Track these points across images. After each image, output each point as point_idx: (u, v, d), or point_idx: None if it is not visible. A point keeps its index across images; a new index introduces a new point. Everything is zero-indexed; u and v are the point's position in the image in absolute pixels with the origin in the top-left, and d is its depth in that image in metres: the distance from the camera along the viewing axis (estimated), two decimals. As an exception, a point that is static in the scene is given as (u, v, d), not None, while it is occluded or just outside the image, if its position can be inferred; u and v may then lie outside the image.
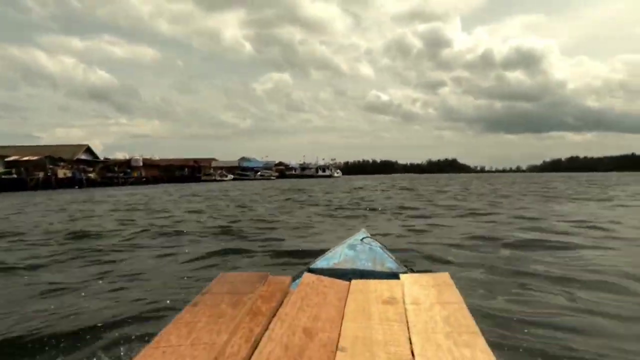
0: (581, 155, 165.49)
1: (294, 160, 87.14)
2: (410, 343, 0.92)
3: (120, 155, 50.81)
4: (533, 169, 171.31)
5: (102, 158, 45.50)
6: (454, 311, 1.06)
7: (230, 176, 57.04)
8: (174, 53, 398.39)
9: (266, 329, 0.97)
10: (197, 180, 48.18)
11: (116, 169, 40.92)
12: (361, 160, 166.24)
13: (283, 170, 76.40)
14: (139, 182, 39.04)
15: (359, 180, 39.51)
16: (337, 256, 2.16)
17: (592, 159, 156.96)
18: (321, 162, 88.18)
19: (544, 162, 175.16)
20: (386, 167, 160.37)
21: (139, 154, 48.84)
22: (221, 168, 60.83)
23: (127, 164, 43.88)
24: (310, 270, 1.88)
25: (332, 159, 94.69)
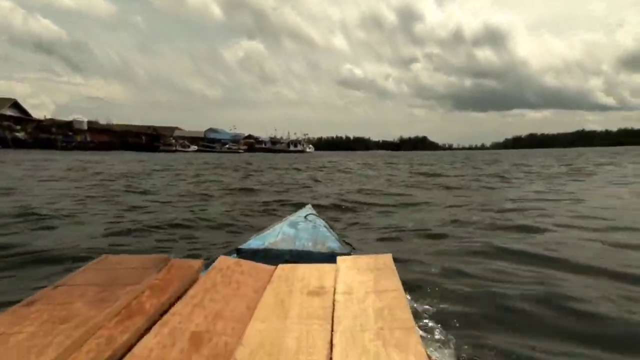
0: (539, 133, 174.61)
1: (265, 134, 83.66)
2: (331, 348, 0.78)
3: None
4: (496, 146, 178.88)
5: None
6: (389, 301, 0.97)
7: (194, 147, 53.64)
8: (132, 8, 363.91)
9: (141, 335, 0.77)
10: (155, 149, 44.51)
11: (53, 130, 36.58)
12: (335, 136, 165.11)
13: (253, 144, 73.36)
14: (83, 147, 35.03)
15: (332, 157, 38.18)
16: (275, 235, 1.98)
17: (548, 135, 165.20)
18: (293, 137, 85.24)
19: (506, 139, 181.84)
20: (359, 144, 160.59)
21: (96, 118, 43.89)
22: (184, 138, 56.84)
23: (68, 125, 39.08)
24: (239, 251, 1.71)
25: (304, 134, 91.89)
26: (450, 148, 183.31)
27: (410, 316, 0.90)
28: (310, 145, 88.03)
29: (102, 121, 47.12)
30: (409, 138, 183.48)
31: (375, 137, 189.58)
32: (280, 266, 1.24)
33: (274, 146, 75.92)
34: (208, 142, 61.92)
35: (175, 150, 47.49)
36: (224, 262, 1.18)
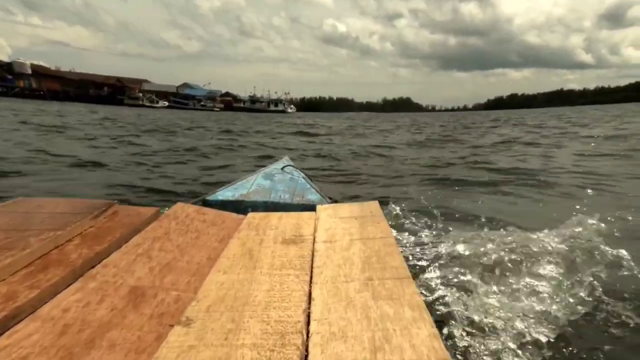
0: (519, 93, 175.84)
1: (244, 93, 78.25)
2: (309, 301, 0.69)
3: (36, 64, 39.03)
4: (478, 107, 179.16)
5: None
6: (378, 249, 0.87)
7: (164, 103, 49.27)
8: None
9: (57, 291, 0.65)
10: (119, 103, 40.29)
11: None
12: (318, 97, 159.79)
13: (230, 102, 68.87)
14: (27, 95, 30.32)
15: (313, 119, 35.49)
16: (247, 186, 1.84)
17: (528, 95, 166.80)
18: (274, 96, 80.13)
19: (488, 100, 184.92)
20: (343, 105, 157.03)
21: (58, 66, 38.06)
22: (153, 92, 51.98)
23: (7, 68, 33.17)
24: (205, 203, 1.59)
25: (285, 93, 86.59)
26: (433, 110, 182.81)
27: (404, 264, 0.80)
28: (292, 106, 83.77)
29: (67, 69, 41.19)
30: (393, 99, 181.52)
31: (358, 98, 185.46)
32: (251, 214, 1.15)
33: (253, 105, 71.64)
34: (181, 98, 57.23)
35: (142, 105, 43.39)
36: (182, 209, 1.11)
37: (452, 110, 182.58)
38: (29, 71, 35.29)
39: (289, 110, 77.67)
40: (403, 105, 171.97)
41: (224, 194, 1.73)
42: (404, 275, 0.74)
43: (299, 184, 1.97)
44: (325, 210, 1.14)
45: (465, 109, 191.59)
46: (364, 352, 0.58)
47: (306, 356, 0.57)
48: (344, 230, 0.97)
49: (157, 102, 47.64)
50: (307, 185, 1.96)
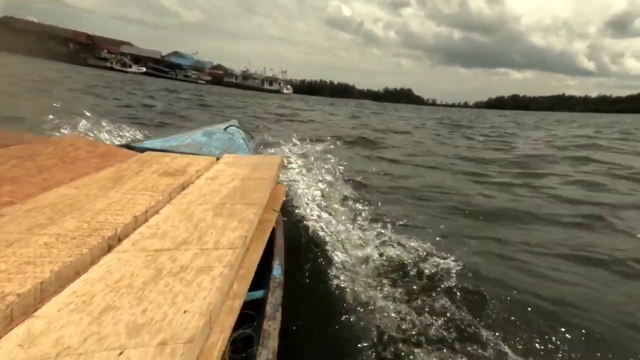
0: (521, 94, 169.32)
1: (238, 68, 71.74)
2: (153, 215, 0.75)
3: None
4: (479, 105, 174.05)
5: None
6: (250, 186, 0.93)
7: (141, 69, 43.79)
8: None
9: None
10: (81, 63, 34.96)
11: None
12: (319, 80, 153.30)
13: (220, 76, 63.29)
14: None
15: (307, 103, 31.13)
16: (181, 139, 1.80)
17: (530, 98, 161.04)
18: (269, 74, 73.76)
19: (489, 99, 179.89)
20: (343, 91, 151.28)
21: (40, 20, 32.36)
22: (134, 56, 46.32)
23: None
24: (131, 148, 1.52)
25: (282, 72, 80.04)
26: (434, 104, 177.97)
27: (265, 196, 0.85)
28: (289, 86, 77.88)
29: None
30: (395, 89, 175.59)
31: (359, 85, 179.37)
32: (147, 152, 1.19)
33: (246, 82, 66.10)
34: (164, 66, 51.69)
35: (110, 68, 38.02)
36: (71, 139, 1.11)
37: (453, 106, 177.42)
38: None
39: (285, 90, 72.01)
40: (404, 96, 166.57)
41: (153, 143, 1.65)
42: (256, 202, 0.80)
43: (236, 143, 1.94)
44: (228, 158, 1.21)
45: (466, 105, 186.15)
46: (172, 244, 0.67)
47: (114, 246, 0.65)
48: (232, 173, 1.02)
49: (130, 67, 42.08)
50: (244, 146, 1.93)
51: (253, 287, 0.78)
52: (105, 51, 41.82)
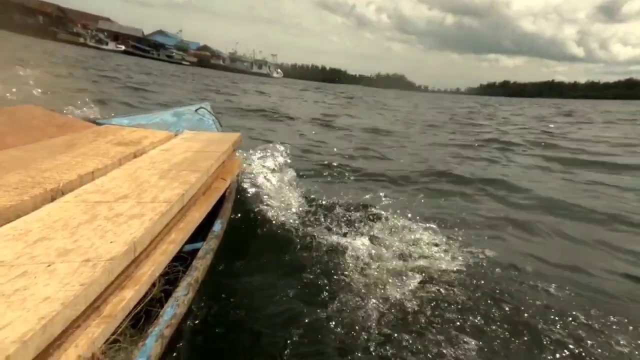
0: (512, 80, 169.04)
1: (225, 50, 68.02)
2: (100, 176, 0.80)
3: None
4: (470, 91, 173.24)
5: None
6: (199, 157, 0.95)
7: (120, 47, 40.50)
8: None
9: None
10: (51, 36, 31.70)
11: None
12: (310, 65, 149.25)
13: (206, 58, 59.83)
14: None
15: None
16: (149, 118, 1.86)
17: (520, 84, 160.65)
18: (259, 57, 70.34)
19: (480, 85, 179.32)
20: (334, 76, 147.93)
21: None
22: (112, 33, 42.75)
23: None
24: (97, 124, 1.50)
25: (272, 55, 76.63)
26: (426, 90, 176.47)
27: (211, 165, 0.90)
28: (279, 70, 74.90)
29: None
30: (387, 75, 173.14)
31: (351, 70, 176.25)
32: (106, 125, 1.24)
33: (233, 64, 62.95)
34: (146, 45, 48.24)
35: (83, 44, 34.79)
36: (29, 109, 1.16)
37: (445, 92, 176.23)
38: None
39: (275, 74, 69.15)
40: (396, 82, 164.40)
41: (120, 120, 1.68)
42: (200, 169, 0.85)
43: (205, 125, 1.95)
44: (187, 134, 1.24)
45: (457, 92, 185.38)
46: (112, 198, 0.74)
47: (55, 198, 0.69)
48: (187, 146, 1.04)
49: (107, 44, 38.69)
50: (213, 127, 1.95)
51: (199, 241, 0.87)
52: (79, 26, 38.22)
